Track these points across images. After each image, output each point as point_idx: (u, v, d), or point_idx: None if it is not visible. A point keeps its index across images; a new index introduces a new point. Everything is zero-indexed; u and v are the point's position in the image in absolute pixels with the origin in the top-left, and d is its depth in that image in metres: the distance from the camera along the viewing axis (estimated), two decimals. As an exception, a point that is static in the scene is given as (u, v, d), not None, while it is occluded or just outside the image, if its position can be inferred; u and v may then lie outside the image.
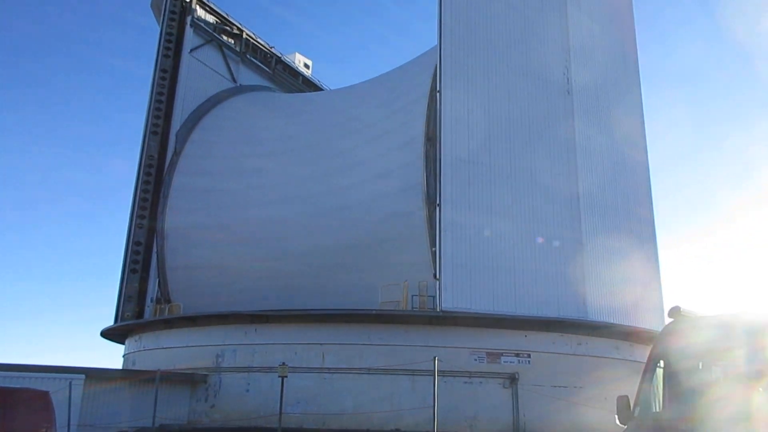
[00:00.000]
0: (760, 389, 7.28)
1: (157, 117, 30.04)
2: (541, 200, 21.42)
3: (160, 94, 30.40)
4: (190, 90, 31.35)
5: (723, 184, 73.18)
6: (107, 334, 27.01)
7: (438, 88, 21.52)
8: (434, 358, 15.11)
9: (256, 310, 21.30)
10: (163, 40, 31.11)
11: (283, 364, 15.16)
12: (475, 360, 19.50)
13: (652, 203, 24.55)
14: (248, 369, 20.17)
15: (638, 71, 26.05)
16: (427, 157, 22.81)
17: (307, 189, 26.54)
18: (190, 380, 20.75)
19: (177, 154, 29.58)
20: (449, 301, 19.31)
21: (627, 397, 7.63)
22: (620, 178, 23.76)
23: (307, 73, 40.99)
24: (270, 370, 18.61)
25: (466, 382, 19.33)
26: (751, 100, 70.73)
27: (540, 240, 20.78)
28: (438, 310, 19.30)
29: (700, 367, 8.21)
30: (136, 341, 25.24)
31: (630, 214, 23.57)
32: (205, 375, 20.73)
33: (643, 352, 17.88)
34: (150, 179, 29.25)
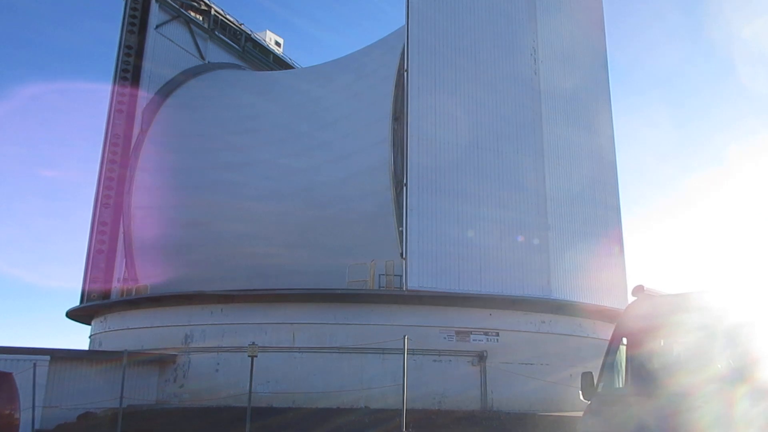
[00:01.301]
0: (718, 366, 7.54)
1: (122, 95, 29.36)
2: (508, 181, 21.66)
3: (125, 71, 29.67)
4: (157, 67, 30.66)
5: (688, 169, 74.93)
6: (73, 314, 26.57)
7: (405, 68, 21.49)
8: (404, 336, 15.27)
9: (222, 290, 21.17)
10: (127, 15, 30.30)
11: (253, 343, 15.12)
12: (444, 338, 19.79)
13: (618, 187, 24.97)
14: (218, 349, 20.12)
15: (606, 64, 26.23)
16: (394, 136, 22.84)
17: (274, 168, 26.33)
18: (159, 361, 20.60)
19: (144, 132, 29.01)
20: (415, 280, 19.50)
21: (591, 373, 7.84)
22: (587, 164, 24.08)
23: (279, 51, 40.38)
24: (239, 349, 18.58)
25: (435, 360, 19.61)
26: (729, 98, 72.18)
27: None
28: (404, 289, 19.49)
29: (662, 344, 8.47)
30: (102, 322, 24.91)
31: (596, 199, 23.96)
32: (174, 355, 20.60)
33: (606, 330, 18.37)
34: (116, 158, 28.66)
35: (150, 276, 26.49)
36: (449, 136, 21.29)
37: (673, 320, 8.05)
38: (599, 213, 23.90)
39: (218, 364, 20.05)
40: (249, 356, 14.92)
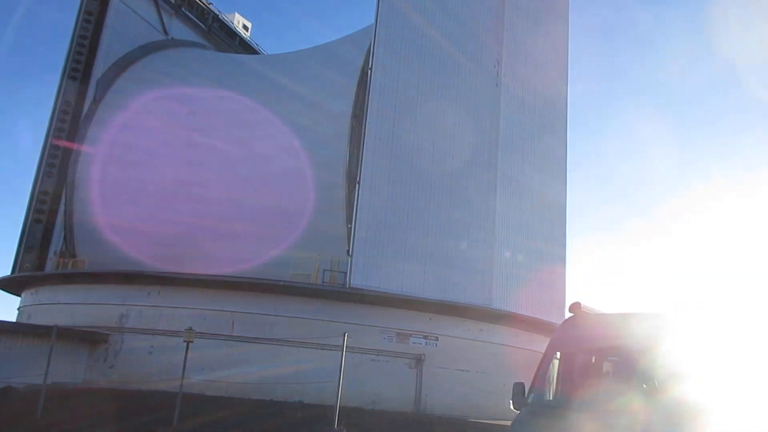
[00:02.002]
0: (644, 386, 7.82)
1: (78, 62, 28.33)
2: (459, 189, 21.90)
3: (83, 38, 28.64)
4: (117, 37, 29.70)
5: (635, 200, 77.22)
6: (2, 284, 25.53)
7: (370, 66, 21.53)
8: (344, 334, 15.25)
9: (162, 272, 20.70)
10: (90, -20, 29.27)
11: (190, 328, 14.82)
12: (385, 339, 19.88)
13: (565, 206, 25.60)
14: (153, 331, 19.67)
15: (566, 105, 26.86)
16: (352, 133, 22.85)
17: (228, 153, 25.90)
18: (90, 339, 19.99)
19: (96, 102, 28.07)
20: (359, 278, 19.56)
21: (523, 384, 8.00)
22: (537, 183, 24.55)
23: (246, 35, 39.76)
24: (175, 334, 18.18)
25: (373, 360, 19.68)
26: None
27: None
28: (347, 286, 19.50)
29: (593, 360, 8.71)
30: (32, 294, 24.02)
31: (543, 216, 24.50)
32: (107, 334, 20.03)
33: (542, 343, 18.78)
34: (64, 126, 27.65)
35: (88, 252, 25.68)
36: (407, 137, 21.41)
37: (606, 338, 8.31)
38: (545, 228, 24.44)
39: (152, 347, 19.61)
40: (185, 341, 14.62)
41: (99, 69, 28.72)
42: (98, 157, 27.04)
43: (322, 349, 18.79)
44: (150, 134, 27.44)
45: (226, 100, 28.07)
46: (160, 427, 12.73)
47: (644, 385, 7.76)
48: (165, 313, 19.90)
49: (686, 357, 7.35)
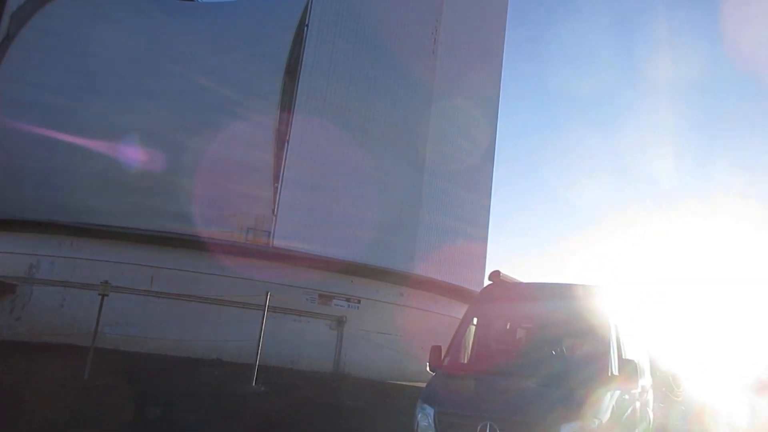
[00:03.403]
0: (552, 352, 8.29)
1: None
2: (388, 155, 22.02)
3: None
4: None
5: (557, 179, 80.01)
6: None
7: (306, 22, 21.09)
8: (267, 293, 15.20)
9: (76, 222, 19.76)
10: None
11: (106, 282, 14.32)
12: (307, 299, 19.95)
13: (492, 174, 26.28)
14: (66, 284, 18.88)
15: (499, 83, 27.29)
16: (283, 90, 22.40)
17: (154, 104, 24.83)
18: (-5, 288, 18.99)
19: (9, 38, 26.06)
20: (282, 238, 19.45)
21: (440, 347, 8.29)
22: (467, 158, 25.00)
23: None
24: (90, 287, 17.53)
25: (295, 321, 19.75)
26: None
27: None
28: (271, 246, 19.36)
29: (508, 327, 9.12)
30: (-68, 239, 22.43)
31: (469, 187, 25.05)
32: (14, 285, 19.06)
33: (460, 309, 19.43)
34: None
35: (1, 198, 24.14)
36: (340, 99, 21.22)
37: (520, 306, 8.71)
38: (471, 197, 25.03)
39: (65, 299, 18.85)
40: (99, 295, 14.14)
41: (14, 2, 26.62)
42: (13, 97, 25.21)
43: (244, 307, 18.67)
44: (70, 75, 25.78)
45: (157, 49, 26.75)
46: (69, 381, 12.36)
47: (553, 351, 8.26)
48: (79, 265, 19.12)
49: (592, 325, 7.83)
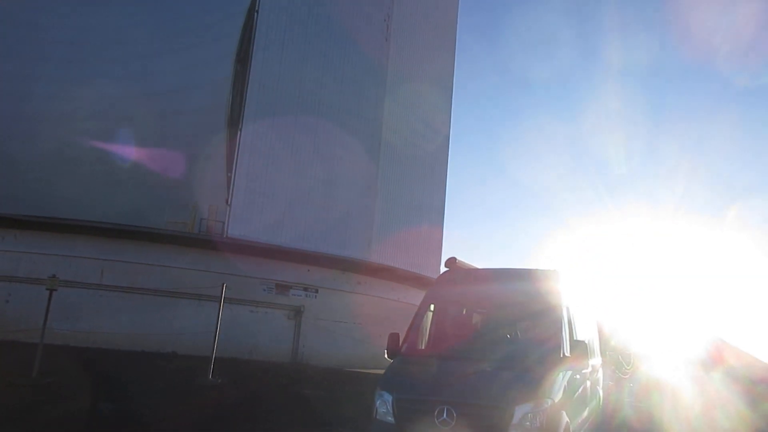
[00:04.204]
0: (507, 336, 8.49)
1: None
2: (344, 142, 21.92)
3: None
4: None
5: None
6: None
7: (257, 8, 20.77)
8: (223, 284, 15.02)
9: (18, 214, 19.05)
10: None
11: (54, 276, 13.87)
12: (264, 290, 19.80)
13: (447, 163, 26.52)
14: (11, 278, 18.22)
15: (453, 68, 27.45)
16: (235, 77, 22.04)
17: (102, 90, 24.12)
18: (-66, 285, 18.16)
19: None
20: (237, 228, 19.21)
21: (398, 334, 8.38)
22: (422, 143, 25.14)
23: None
24: (37, 282, 16.97)
25: (251, 311, 19.58)
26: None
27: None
28: (225, 236, 19.12)
29: (464, 312, 9.27)
30: None
31: (425, 174, 25.23)
32: (-46, 281, 18.30)
33: (417, 297, 19.62)
34: None
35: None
36: (293, 86, 20.98)
37: (476, 292, 8.86)
38: (426, 186, 25.23)
39: (9, 294, 18.19)
40: (47, 289, 13.69)
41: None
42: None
43: (198, 299, 18.41)
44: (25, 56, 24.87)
45: (106, 34, 25.96)
46: (17, 379, 11.97)
47: (507, 335, 8.46)
48: (24, 259, 18.46)
49: (545, 308, 8.04)
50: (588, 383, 8.90)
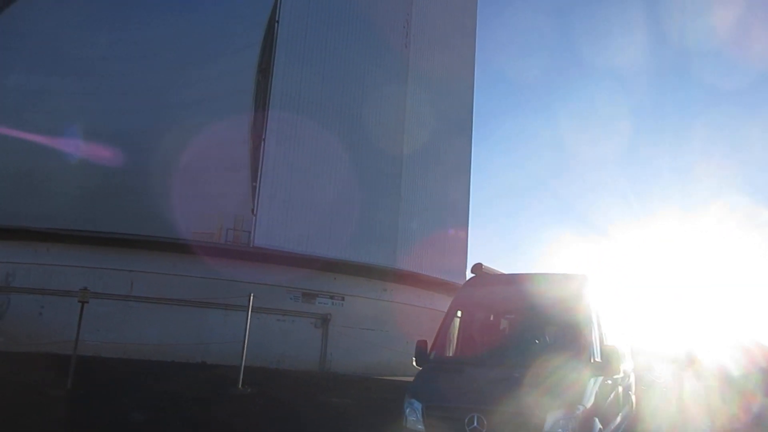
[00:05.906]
0: (536, 341, 8.38)
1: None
2: (367, 150, 22.00)
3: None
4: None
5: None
6: None
7: (277, 18, 20.96)
8: (250, 294, 15.12)
9: (50, 228, 19.42)
10: None
11: (85, 288, 14.11)
12: (291, 299, 19.90)
13: (470, 171, 26.39)
14: (43, 291, 18.58)
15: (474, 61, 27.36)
16: (257, 88, 22.24)
17: (128, 103, 24.53)
18: (-29, 299, 18.60)
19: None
20: (263, 237, 19.34)
21: (425, 341, 8.33)
22: (443, 146, 25.08)
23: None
24: (69, 294, 17.27)
25: (279, 320, 19.68)
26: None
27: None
28: (251, 245, 19.25)
29: (491, 318, 9.19)
30: None
31: (448, 181, 25.14)
32: (-10, 295, 18.73)
33: (443, 303, 19.53)
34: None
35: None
36: (315, 94, 21.11)
37: (503, 297, 8.79)
38: (450, 192, 25.15)
39: (42, 307, 18.56)
40: (79, 302, 13.93)
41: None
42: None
43: (226, 309, 18.56)
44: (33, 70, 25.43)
45: (124, 46, 26.41)
46: (52, 390, 12.19)
47: (536, 340, 8.35)
48: (56, 272, 18.82)
49: (574, 313, 7.93)
50: (620, 389, 8.75)
